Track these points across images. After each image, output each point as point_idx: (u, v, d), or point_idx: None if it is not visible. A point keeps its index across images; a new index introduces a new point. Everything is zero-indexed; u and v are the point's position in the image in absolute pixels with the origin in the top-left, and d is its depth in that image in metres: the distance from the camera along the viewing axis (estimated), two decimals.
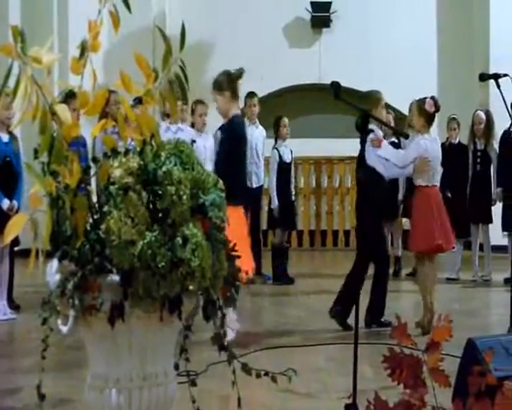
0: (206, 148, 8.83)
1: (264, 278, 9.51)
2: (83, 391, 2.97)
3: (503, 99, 6.05)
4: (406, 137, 6.86)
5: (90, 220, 2.77)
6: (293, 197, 9.95)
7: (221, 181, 2.96)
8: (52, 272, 2.80)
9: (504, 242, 9.75)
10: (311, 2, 13.21)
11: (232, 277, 3.00)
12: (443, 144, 8.16)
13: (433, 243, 6.72)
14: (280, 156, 9.59)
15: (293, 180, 9.91)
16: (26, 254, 2.70)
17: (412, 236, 6.94)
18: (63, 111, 2.65)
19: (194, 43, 10.70)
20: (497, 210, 9.58)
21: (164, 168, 2.79)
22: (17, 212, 7.00)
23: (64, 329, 2.79)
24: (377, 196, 6.85)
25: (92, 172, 2.85)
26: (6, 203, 7.24)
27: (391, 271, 7.99)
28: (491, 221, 9.59)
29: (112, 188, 2.76)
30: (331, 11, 13.24)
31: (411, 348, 2.83)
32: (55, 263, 2.80)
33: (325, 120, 13.52)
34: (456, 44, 13.23)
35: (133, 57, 2.82)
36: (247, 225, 9.55)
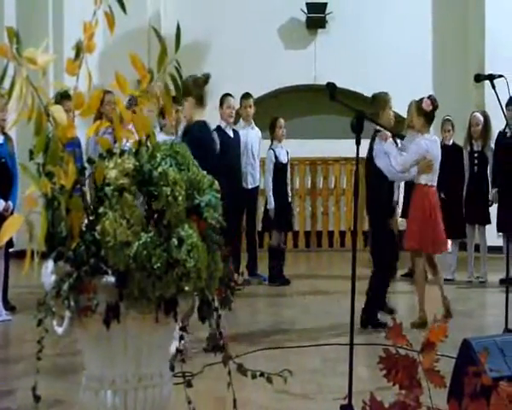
0: None
1: (260, 278, 9.51)
2: (78, 393, 2.96)
3: (498, 100, 6.06)
4: (402, 138, 6.89)
5: (86, 221, 2.77)
6: (290, 199, 9.94)
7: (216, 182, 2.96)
8: (47, 273, 2.80)
9: (499, 242, 9.75)
10: (307, 4, 13.21)
11: (227, 278, 3.00)
12: None
13: (425, 244, 6.84)
14: (276, 157, 9.59)
15: (289, 182, 9.91)
16: (21, 255, 2.70)
17: (407, 233, 7.03)
18: (58, 112, 2.65)
19: (188, 43, 10.69)
20: (492, 211, 9.59)
21: (159, 169, 2.79)
22: (12, 213, 7.00)
23: (59, 330, 2.79)
24: (384, 195, 6.97)
25: (87, 173, 2.85)
26: (1, 204, 7.23)
27: None
28: (488, 222, 9.60)
29: (107, 189, 2.75)
30: (326, 12, 13.23)
31: (407, 349, 2.84)
32: (50, 264, 2.79)
33: (320, 120, 13.52)
34: (451, 45, 13.24)
35: (128, 58, 2.82)
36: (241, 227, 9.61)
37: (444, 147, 9.66)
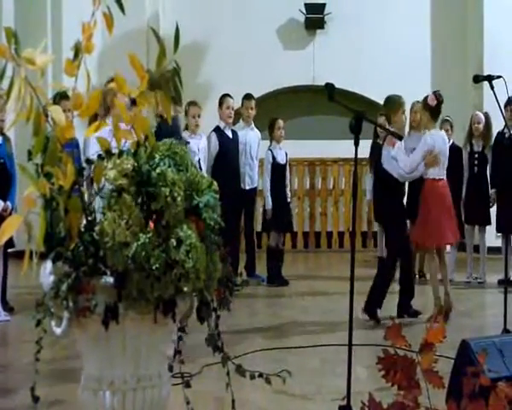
0: (199, 149, 8.84)
1: (258, 279, 9.50)
2: (76, 393, 2.96)
3: (497, 100, 6.07)
4: (400, 138, 6.90)
5: (84, 222, 2.77)
6: (289, 199, 9.94)
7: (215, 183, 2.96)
8: (46, 273, 2.79)
9: (498, 243, 9.75)
10: (305, 4, 13.21)
11: (226, 278, 3.00)
12: None
13: (441, 239, 7.04)
14: (274, 158, 9.58)
15: (288, 183, 9.89)
16: (19, 255, 2.70)
17: (422, 230, 7.10)
18: (57, 113, 2.65)
19: (187, 44, 10.70)
20: (492, 212, 9.58)
21: (158, 170, 2.78)
22: (11, 213, 7.00)
23: (58, 331, 2.78)
24: (397, 200, 7.11)
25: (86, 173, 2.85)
26: (0, 205, 7.23)
27: None
28: (489, 223, 9.59)
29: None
30: (325, 13, 13.23)
31: (405, 350, 2.84)
32: (48, 265, 2.79)
33: (319, 121, 13.51)
34: (450, 46, 13.24)
35: (127, 58, 2.82)
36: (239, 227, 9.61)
37: None
